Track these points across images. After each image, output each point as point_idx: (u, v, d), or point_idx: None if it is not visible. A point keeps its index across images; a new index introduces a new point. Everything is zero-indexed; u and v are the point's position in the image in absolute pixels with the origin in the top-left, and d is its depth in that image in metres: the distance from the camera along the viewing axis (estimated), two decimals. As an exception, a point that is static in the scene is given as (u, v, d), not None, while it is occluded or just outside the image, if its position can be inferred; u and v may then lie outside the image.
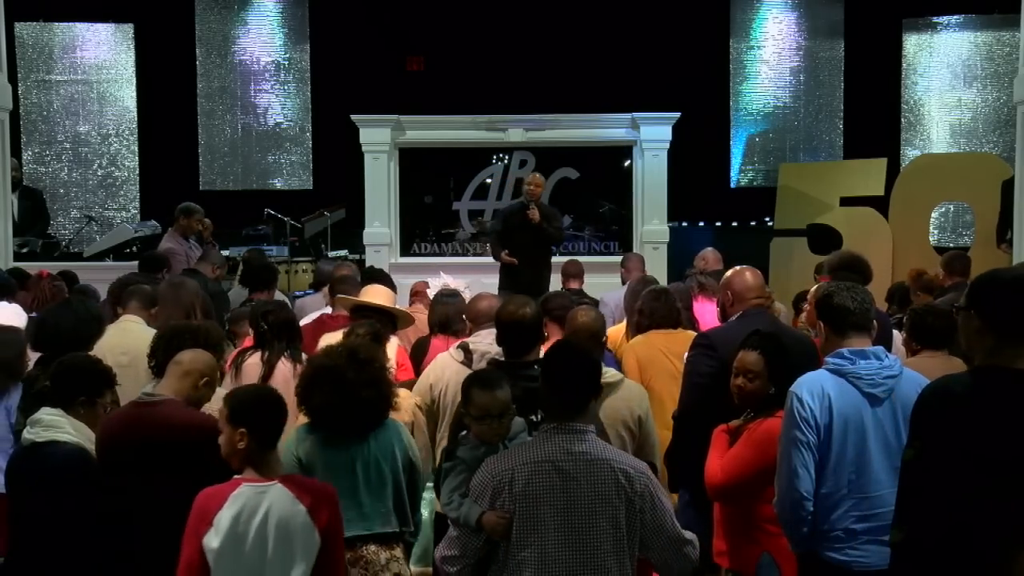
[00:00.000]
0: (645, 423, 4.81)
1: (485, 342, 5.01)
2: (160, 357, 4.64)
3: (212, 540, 3.52)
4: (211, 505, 3.56)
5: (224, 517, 3.53)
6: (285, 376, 5.32)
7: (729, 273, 5.34)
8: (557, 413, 3.60)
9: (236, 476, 3.67)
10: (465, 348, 5.07)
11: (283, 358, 5.48)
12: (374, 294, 6.35)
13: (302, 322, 6.73)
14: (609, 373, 4.63)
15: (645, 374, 5.81)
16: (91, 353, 4.89)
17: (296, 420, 4.35)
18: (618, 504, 3.48)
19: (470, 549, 3.58)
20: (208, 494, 3.59)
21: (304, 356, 5.42)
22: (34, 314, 6.40)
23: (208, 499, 3.58)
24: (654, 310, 6.08)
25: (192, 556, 3.55)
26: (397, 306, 6.53)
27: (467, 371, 4.64)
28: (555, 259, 10.43)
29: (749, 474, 4.20)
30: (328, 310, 6.91)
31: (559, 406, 3.61)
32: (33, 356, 5.45)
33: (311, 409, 4.24)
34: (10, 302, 6.71)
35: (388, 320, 5.98)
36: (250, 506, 3.56)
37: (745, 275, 5.22)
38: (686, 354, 5.19)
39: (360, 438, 4.22)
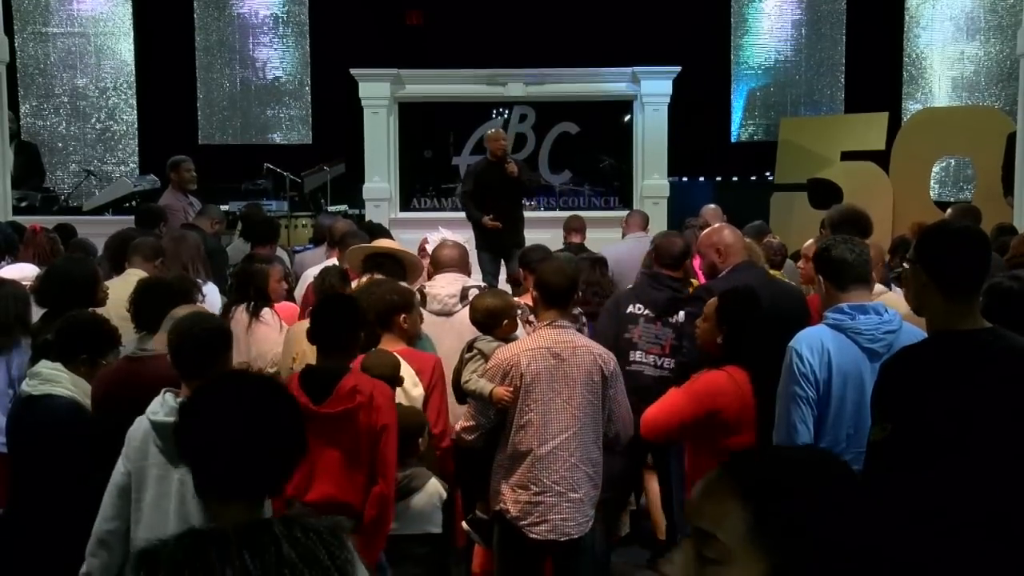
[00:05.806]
0: None
1: (439, 285, 5.60)
2: (136, 311, 4.67)
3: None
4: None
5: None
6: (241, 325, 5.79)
7: (709, 232, 5.48)
8: (549, 314, 4.53)
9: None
10: (420, 292, 5.57)
11: (244, 310, 5.86)
12: (385, 244, 6.51)
13: (308, 275, 6.79)
14: None
15: None
16: (97, 311, 4.89)
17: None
18: (597, 379, 4.42)
19: (484, 419, 4.49)
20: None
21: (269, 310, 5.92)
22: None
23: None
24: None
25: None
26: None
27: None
28: (547, 214, 10.36)
29: (676, 421, 4.39)
30: (334, 262, 6.93)
31: (549, 309, 4.54)
32: (37, 312, 5.42)
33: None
34: (12, 260, 6.69)
35: (399, 268, 6.06)
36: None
37: (725, 232, 5.45)
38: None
39: None
